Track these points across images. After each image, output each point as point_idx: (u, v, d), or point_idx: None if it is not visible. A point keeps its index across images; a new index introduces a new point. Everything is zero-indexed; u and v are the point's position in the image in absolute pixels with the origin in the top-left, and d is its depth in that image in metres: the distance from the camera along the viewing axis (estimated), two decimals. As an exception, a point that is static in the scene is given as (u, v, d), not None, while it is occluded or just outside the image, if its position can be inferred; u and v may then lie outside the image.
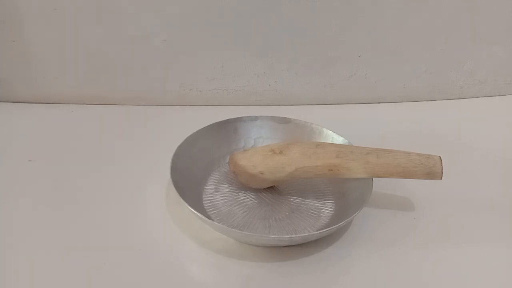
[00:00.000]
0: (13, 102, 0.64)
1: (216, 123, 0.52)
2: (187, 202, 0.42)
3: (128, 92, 0.64)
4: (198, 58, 0.62)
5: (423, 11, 0.62)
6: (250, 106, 0.66)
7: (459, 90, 0.69)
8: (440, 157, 0.43)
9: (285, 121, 0.54)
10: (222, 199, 0.48)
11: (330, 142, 0.51)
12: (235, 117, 0.54)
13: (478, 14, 0.63)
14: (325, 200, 0.48)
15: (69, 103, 0.64)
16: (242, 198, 0.48)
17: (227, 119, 0.53)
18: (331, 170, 0.44)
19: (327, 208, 0.47)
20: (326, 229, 0.41)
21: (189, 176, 0.47)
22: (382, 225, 0.46)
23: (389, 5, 0.61)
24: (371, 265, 0.42)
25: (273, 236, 0.43)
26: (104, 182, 0.50)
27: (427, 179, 0.43)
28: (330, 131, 0.52)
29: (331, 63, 0.65)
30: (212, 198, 0.48)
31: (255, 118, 0.54)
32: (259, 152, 0.47)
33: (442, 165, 0.42)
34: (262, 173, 0.46)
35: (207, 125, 0.52)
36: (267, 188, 0.49)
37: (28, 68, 0.62)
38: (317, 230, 0.44)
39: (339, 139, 0.51)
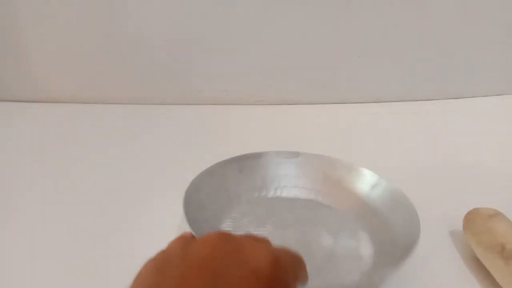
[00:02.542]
0: (13, 102, 0.64)
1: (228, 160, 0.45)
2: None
3: (128, 92, 0.64)
4: (198, 58, 0.62)
5: (423, 11, 0.62)
6: (250, 106, 0.65)
7: (458, 90, 0.69)
8: None
9: (295, 155, 0.47)
10: None
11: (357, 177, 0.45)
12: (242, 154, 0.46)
13: (478, 15, 0.63)
14: (358, 238, 0.41)
15: (69, 103, 0.64)
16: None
17: (242, 156, 0.46)
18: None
19: (364, 248, 0.40)
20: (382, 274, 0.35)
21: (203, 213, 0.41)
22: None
23: (389, 6, 0.61)
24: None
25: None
26: (103, 182, 0.50)
27: None
28: (363, 168, 0.45)
29: (331, 63, 0.65)
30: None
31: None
32: None
33: None
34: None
35: (216, 162, 0.44)
36: (291, 231, 0.42)
37: (28, 68, 0.62)
38: (365, 273, 0.37)
39: (373, 177, 0.44)
